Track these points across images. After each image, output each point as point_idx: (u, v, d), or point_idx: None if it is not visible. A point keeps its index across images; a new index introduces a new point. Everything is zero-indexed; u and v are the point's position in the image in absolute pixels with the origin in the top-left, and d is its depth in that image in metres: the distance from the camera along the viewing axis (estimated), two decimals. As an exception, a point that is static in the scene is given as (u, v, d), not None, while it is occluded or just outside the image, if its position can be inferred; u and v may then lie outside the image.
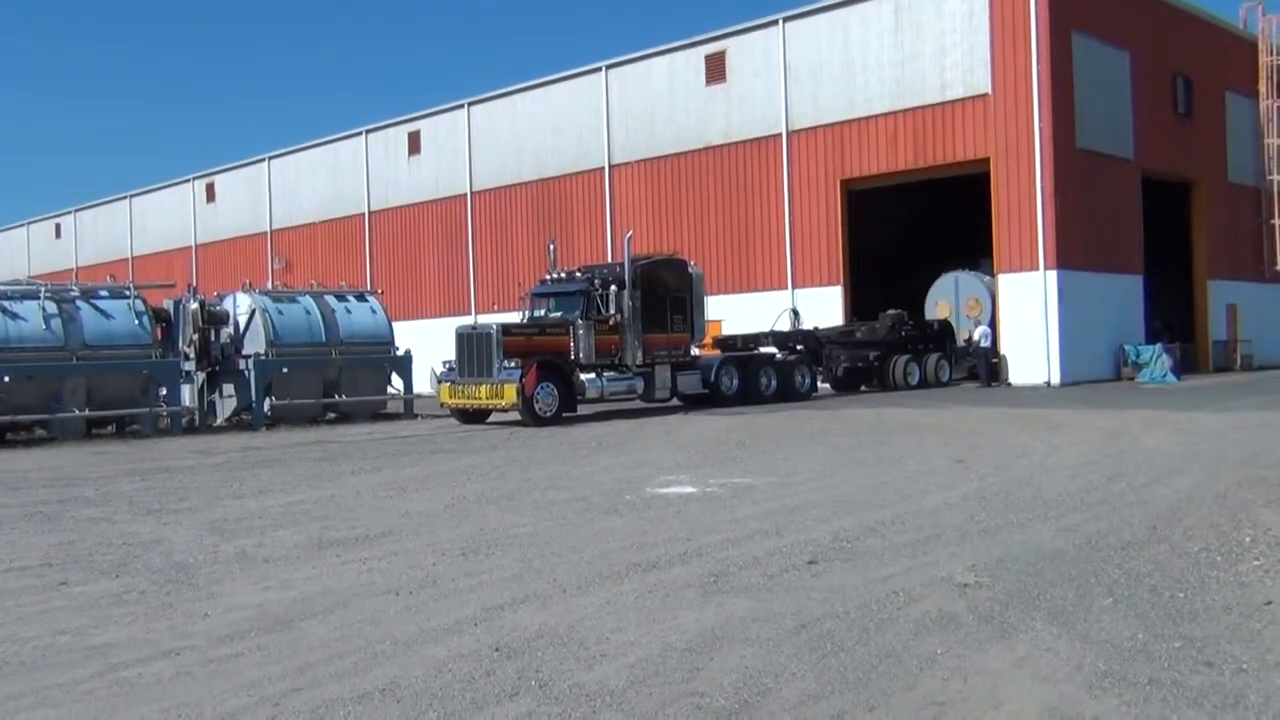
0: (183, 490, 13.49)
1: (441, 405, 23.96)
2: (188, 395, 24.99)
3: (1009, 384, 30.54)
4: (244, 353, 25.24)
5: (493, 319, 26.67)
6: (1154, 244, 34.77)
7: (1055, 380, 29.95)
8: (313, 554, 8.85)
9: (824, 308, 33.57)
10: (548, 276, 25.67)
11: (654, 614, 6.51)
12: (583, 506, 10.94)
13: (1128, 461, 13.16)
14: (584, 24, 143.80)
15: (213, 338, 25.39)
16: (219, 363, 25.54)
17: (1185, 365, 33.60)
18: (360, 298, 28.08)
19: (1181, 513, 9.39)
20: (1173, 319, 37.09)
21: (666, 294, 24.90)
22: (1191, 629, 5.89)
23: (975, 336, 30.81)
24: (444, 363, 23.71)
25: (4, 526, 10.92)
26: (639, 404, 25.38)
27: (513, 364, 22.02)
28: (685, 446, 17.04)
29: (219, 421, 25.65)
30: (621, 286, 23.77)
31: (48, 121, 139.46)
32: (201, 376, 25.42)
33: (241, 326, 25.56)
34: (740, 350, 28.31)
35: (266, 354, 24.90)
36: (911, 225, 40.15)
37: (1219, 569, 7.27)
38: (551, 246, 27.68)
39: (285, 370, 25.05)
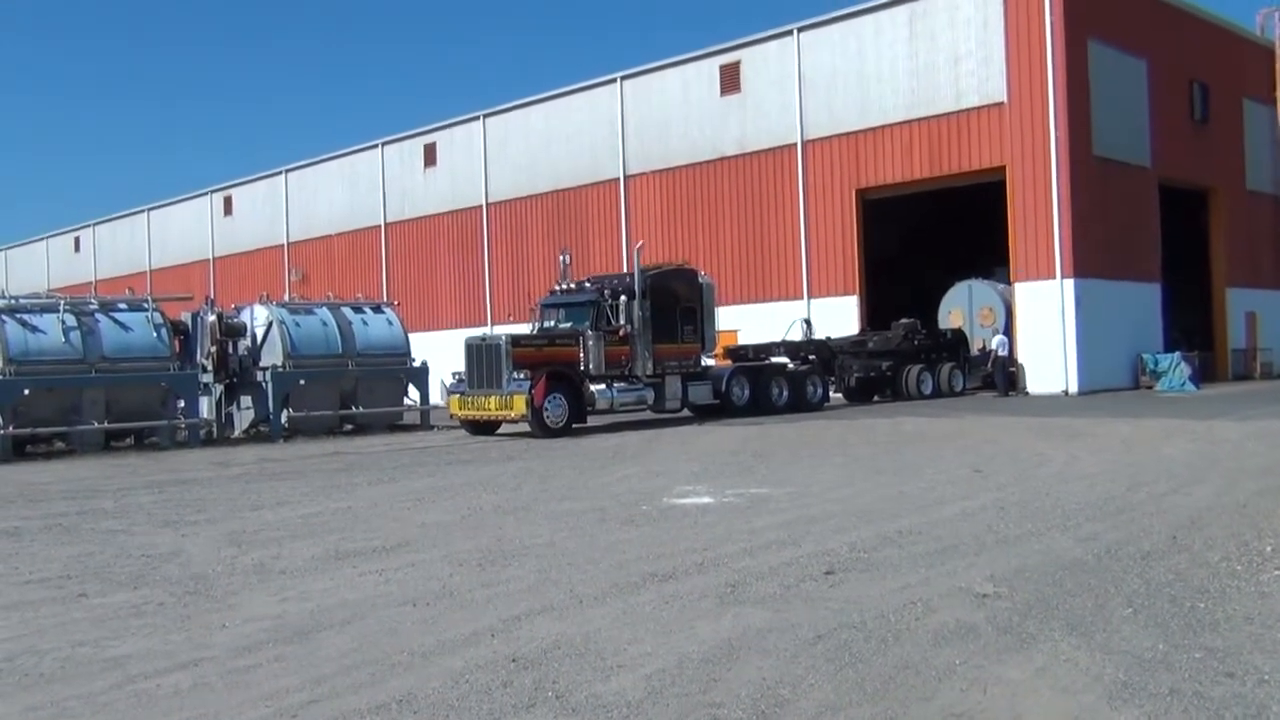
0: (201, 502, 13.55)
1: (451, 416, 23.93)
2: (206, 407, 25.07)
3: (1026, 393, 30.41)
4: (261, 365, 25.34)
5: (508, 330, 26.67)
6: (1172, 252, 34.61)
7: (1073, 389, 29.81)
8: (330, 565, 8.87)
9: (840, 317, 33.53)
10: (557, 287, 25.60)
11: (671, 625, 6.50)
12: (599, 517, 10.93)
13: (1147, 470, 13.09)
14: (598, 35, 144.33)
15: (230, 350, 25.48)
16: (237, 375, 25.64)
17: (1204, 373, 33.38)
18: (377, 309, 28.17)
19: (1202, 522, 9.33)
20: (1191, 327, 36.88)
21: (677, 304, 24.80)
22: (1213, 639, 5.85)
23: (993, 345, 30.69)
24: (454, 374, 23.69)
25: (24, 538, 10.98)
26: (650, 415, 25.32)
27: (522, 375, 21.92)
28: (701, 457, 17.02)
29: (237, 433, 25.76)
30: (631, 297, 23.70)
31: (66, 136, 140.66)
32: (219, 388, 25.51)
33: (259, 338, 25.67)
34: (752, 360, 28.14)
35: (284, 366, 25.00)
36: (927, 234, 40.09)
37: (1240, 579, 7.21)
38: (563, 258, 27.64)
39: (302, 382, 25.13)
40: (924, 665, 5.55)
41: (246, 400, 25.80)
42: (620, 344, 23.61)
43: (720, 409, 25.40)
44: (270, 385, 24.72)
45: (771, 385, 26.39)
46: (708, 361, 26.24)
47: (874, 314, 34.26)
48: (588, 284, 25.17)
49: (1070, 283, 29.99)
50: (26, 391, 21.71)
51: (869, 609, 6.67)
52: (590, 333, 23.25)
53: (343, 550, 9.52)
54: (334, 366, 25.90)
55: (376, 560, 8.99)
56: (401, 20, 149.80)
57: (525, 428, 22.47)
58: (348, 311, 27.15)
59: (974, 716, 4.83)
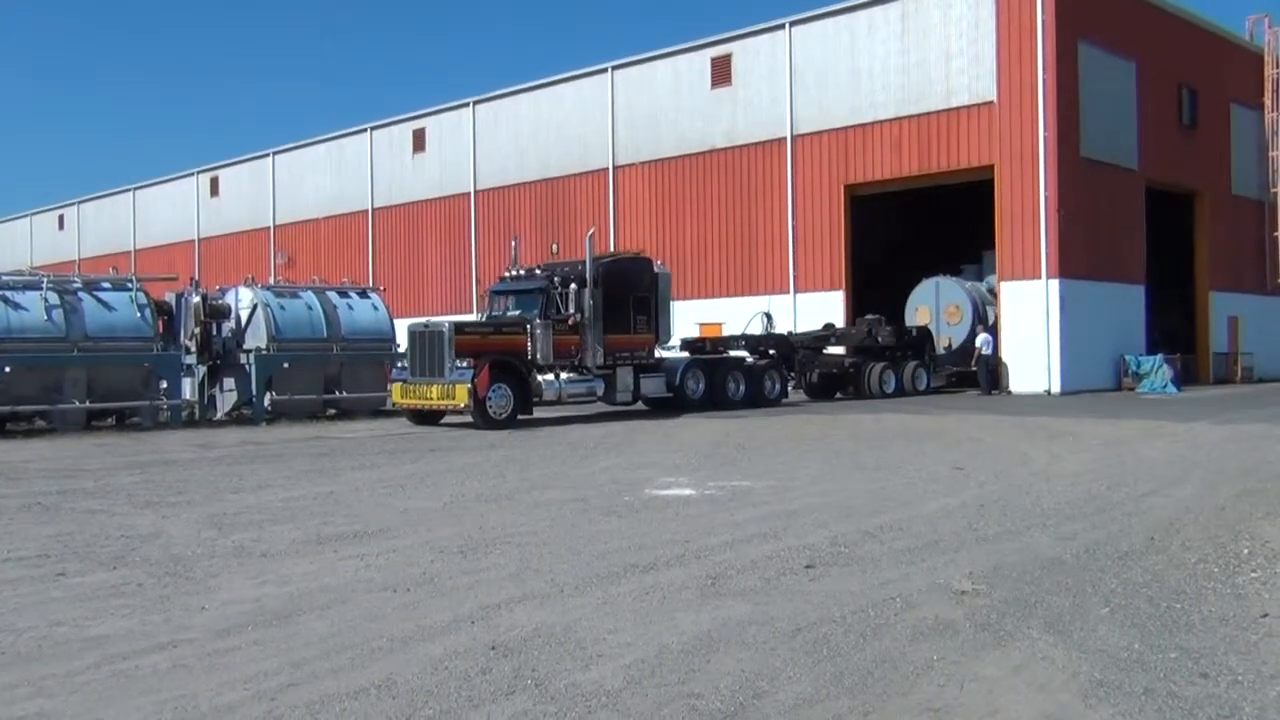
0: (182, 484, 13.50)
1: (393, 405, 23.42)
2: (188, 388, 24.95)
3: (1009, 392, 30.54)
4: (245, 347, 25.21)
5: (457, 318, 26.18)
6: (1156, 254, 34.80)
7: (1055, 389, 29.96)
8: (311, 549, 8.86)
9: (826, 312, 33.59)
10: (507, 273, 25.03)
11: (651, 615, 6.51)
12: (581, 507, 10.94)
13: (1127, 471, 13.17)
14: (590, 25, 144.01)
15: (214, 331, 25.36)
16: (220, 357, 25.53)
17: (1185, 376, 33.62)
18: (362, 294, 28.06)
19: (1180, 524, 9.39)
20: (1174, 330, 37.10)
21: (630, 294, 24.12)
22: (1188, 640, 5.89)
23: (977, 344, 30.78)
24: (400, 362, 23.09)
25: (2, 517, 10.92)
26: (609, 408, 25.01)
27: (465, 364, 21.26)
28: (683, 449, 17.03)
29: (219, 415, 25.65)
30: (582, 285, 23.04)
31: (52, 113, 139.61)
32: (203, 370, 25.39)
33: (243, 321, 25.54)
34: (708, 353, 27.45)
35: (268, 349, 24.88)
36: (915, 231, 40.17)
37: (1216, 580, 7.27)
38: (514, 244, 27.34)
39: (286, 365, 25.02)
40: (902, 660, 5.58)
41: (230, 382, 25.69)
42: (570, 333, 22.96)
43: (674, 402, 24.85)
44: (254, 368, 24.61)
45: (728, 379, 25.84)
46: (661, 353, 25.57)
47: (860, 310, 34.31)
48: (538, 271, 24.55)
49: (1055, 283, 30.14)
50: (8, 369, 21.55)
51: (848, 603, 6.70)
52: (538, 321, 22.54)
53: (324, 535, 9.51)
54: (318, 350, 25.79)
55: (357, 545, 8.98)
56: (393, 5, 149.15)
57: (471, 418, 21.71)
58: (333, 296, 27.03)
59: (951, 712, 4.86)
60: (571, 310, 23.00)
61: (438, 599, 7.02)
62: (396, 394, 22.87)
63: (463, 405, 21.32)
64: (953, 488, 11.93)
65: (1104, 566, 7.70)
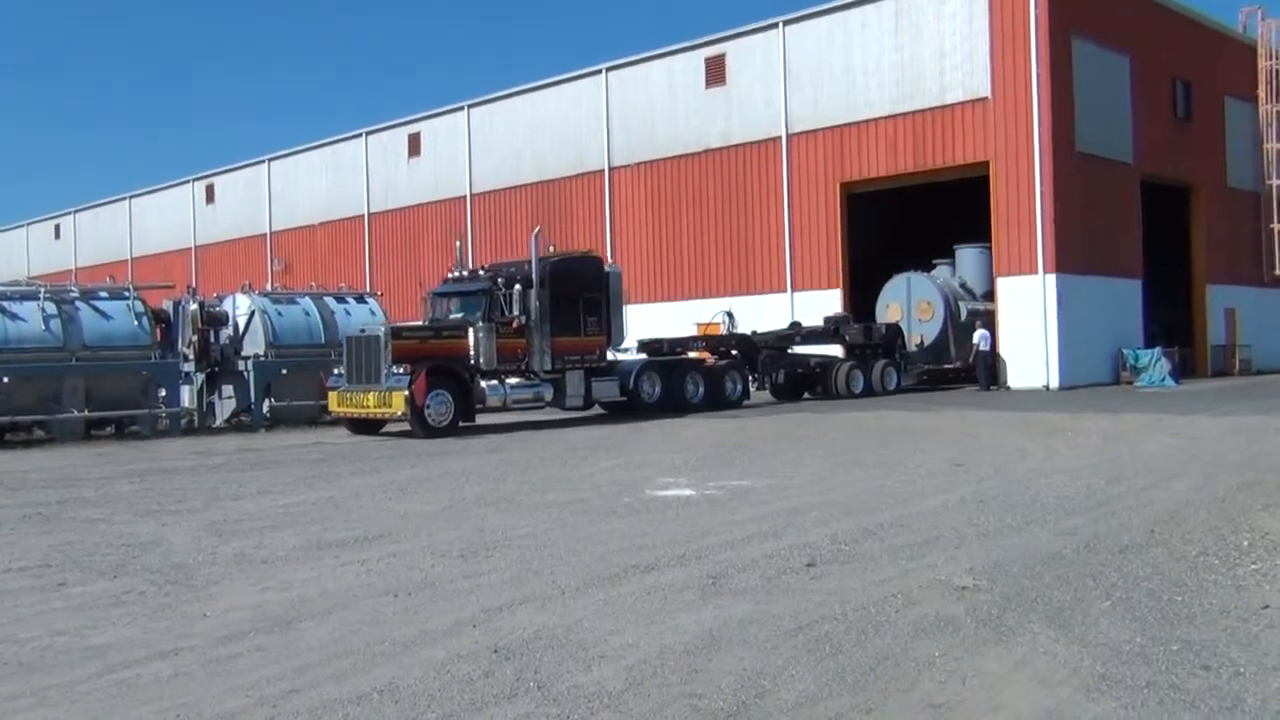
0: (181, 491, 13.49)
1: (330, 414, 22.80)
2: (187, 396, 24.96)
3: (1008, 387, 30.54)
4: (243, 354, 25.20)
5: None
6: (1153, 248, 34.80)
7: (1054, 384, 29.96)
8: (311, 555, 8.86)
9: (824, 310, 33.53)
10: (451, 275, 24.40)
11: (652, 616, 6.52)
12: (581, 509, 10.95)
13: (1126, 465, 13.18)
14: (584, 26, 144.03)
15: (212, 339, 25.34)
16: (218, 364, 25.51)
17: (1184, 369, 33.63)
18: (360, 299, 28.07)
19: (1180, 516, 9.40)
20: (1171, 323, 37.11)
21: (579, 294, 23.25)
22: (1189, 632, 5.90)
23: (975, 340, 30.77)
24: (335, 369, 22.44)
25: (3, 527, 10.92)
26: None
27: (401, 370, 20.51)
28: (681, 449, 17.04)
29: (218, 423, 25.63)
30: (528, 286, 22.15)
31: (47, 122, 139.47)
32: (201, 378, 25.39)
33: (241, 328, 25.53)
34: (665, 354, 26.18)
35: (266, 355, 24.88)
36: (910, 228, 40.14)
37: (1217, 573, 7.28)
38: (459, 245, 27.01)
39: (284, 371, 25.00)
40: (904, 657, 5.59)
41: (228, 389, 25.67)
42: (515, 336, 22.05)
43: (628, 406, 24.09)
44: (252, 375, 24.59)
45: (686, 381, 24.91)
46: (614, 355, 24.72)
47: (857, 308, 34.28)
48: (481, 271, 23.87)
49: (1052, 278, 30.13)
50: (6, 379, 21.54)
51: (850, 601, 6.71)
52: (480, 324, 21.69)
53: (324, 540, 9.51)
54: (316, 356, 25.71)
55: (358, 550, 8.98)
56: (386, 9, 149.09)
57: (409, 427, 21.07)
58: (330, 301, 27.04)
59: (953, 707, 4.87)
60: (517, 312, 21.94)
61: (439, 603, 7.02)
62: (333, 402, 22.09)
63: (400, 413, 20.60)
64: (952, 484, 11.94)
65: (1104, 560, 7.71)
